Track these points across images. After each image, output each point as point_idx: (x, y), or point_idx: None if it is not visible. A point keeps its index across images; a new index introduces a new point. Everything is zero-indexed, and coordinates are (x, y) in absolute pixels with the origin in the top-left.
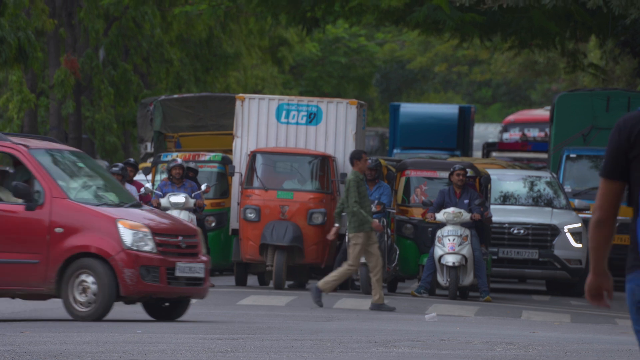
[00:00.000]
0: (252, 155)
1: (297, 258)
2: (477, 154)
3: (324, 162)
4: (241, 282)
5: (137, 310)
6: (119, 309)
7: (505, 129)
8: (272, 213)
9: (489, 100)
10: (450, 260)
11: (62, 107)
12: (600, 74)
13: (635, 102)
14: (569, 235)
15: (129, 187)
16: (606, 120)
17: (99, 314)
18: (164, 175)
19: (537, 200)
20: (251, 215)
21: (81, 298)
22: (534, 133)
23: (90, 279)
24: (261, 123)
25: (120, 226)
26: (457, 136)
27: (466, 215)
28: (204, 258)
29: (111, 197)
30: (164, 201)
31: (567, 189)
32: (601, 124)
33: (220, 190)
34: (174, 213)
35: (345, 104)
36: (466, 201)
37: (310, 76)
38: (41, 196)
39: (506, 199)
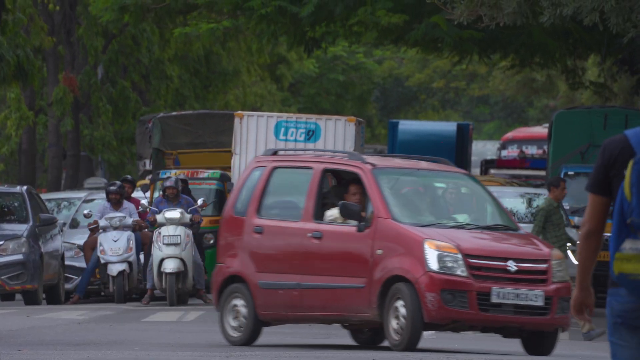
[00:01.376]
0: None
1: None
2: (476, 171)
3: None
4: None
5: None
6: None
7: (503, 146)
8: None
9: (487, 118)
10: None
11: (61, 124)
12: (606, 92)
13: (633, 120)
14: (569, 252)
15: (127, 204)
16: (604, 138)
17: (407, 343)
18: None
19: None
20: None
21: (395, 324)
22: (532, 150)
23: (400, 303)
24: (260, 140)
25: (426, 247)
26: (455, 153)
27: None
28: (552, 286)
29: (461, 218)
30: (159, 217)
31: (566, 206)
32: (599, 141)
33: (219, 207)
34: (170, 229)
35: (344, 121)
36: None
37: (308, 93)
38: (371, 217)
39: None
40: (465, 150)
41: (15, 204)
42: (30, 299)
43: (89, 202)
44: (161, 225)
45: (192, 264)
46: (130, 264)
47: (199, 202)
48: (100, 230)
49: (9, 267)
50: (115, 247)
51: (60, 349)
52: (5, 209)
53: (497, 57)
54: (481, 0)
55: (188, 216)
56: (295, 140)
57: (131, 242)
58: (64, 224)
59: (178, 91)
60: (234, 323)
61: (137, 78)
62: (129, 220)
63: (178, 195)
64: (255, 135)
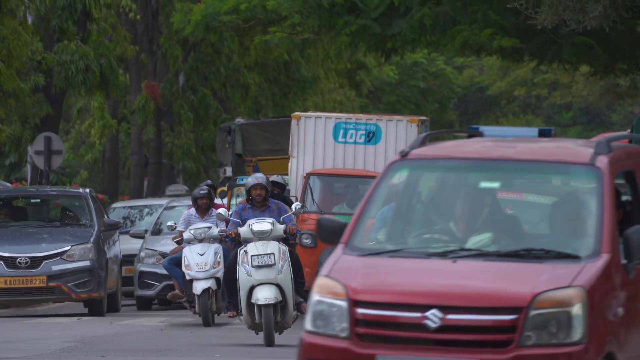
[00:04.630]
0: (308, 177)
1: None
2: None
3: None
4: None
5: None
6: None
7: None
8: None
9: (569, 123)
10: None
11: (143, 132)
12: None
13: None
14: None
15: (214, 211)
16: None
17: None
18: (241, 198)
19: None
20: (307, 241)
21: None
22: None
23: None
24: (318, 142)
25: (312, 290)
26: None
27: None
28: (518, 353)
29: (479, 238)
30: (243, 230)
31: None
32: None
33: None
34: (259, 246)
35: (405, 122)
36: None
37: (388, 100)
38: None
39: None
40: None
41: (77, 205)
42: (95, 308)
43: (170, 209)
44: (246, 241)
45: (292, 289)
46: (218, 280)
47: (294, 206)
48: (184, 244)
49: (75, 274)
50: (201, 262)
51: (142, 355)
52: (69, 212)
53: (575, 64)
54: (565, 4)
55: (281, 227)
56: (355, 143)
57: (219, 256)
58: (146, 230)
59: (257, 99)
60: None
61: (218, 86)
62: (215, 231)
63: (266, 199)
64: (313, 137)
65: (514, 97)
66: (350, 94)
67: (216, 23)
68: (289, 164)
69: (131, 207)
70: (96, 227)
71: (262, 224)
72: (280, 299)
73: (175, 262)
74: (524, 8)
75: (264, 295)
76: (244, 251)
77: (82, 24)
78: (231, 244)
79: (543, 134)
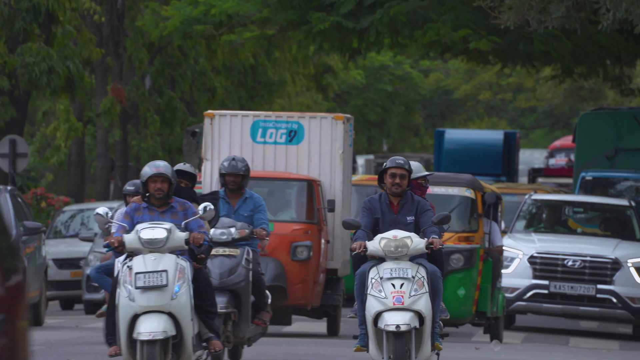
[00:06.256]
0: None
1: (280, 299)
2: (523, 179)
3: (308, 188)
4: None
5: None
6: None
7: (551, 155)
8: None
9: (533, 125)
10: (393, 320)
11: (109, 135)
12: None
13: None
14: (632, 270)
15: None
16: (632, 141)
17: None
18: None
19: (607, 230)
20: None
21: None
22: None
23: None
24: (234, 143)
25: None
26: (502, 162)
27: (418, 243)
28: None
29: None
30: (129, 238)
31: None
32: (626, 145)
33: None
34: (148, 260)
35: (330, 119)
36: (410, 218)
37: (355, 104)
38: None
39: (564, 226)
40: (513, 158)
41: None
42: None
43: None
44: (133, 253)
45: (195, 319)
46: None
47: (201, 208)
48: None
49: None
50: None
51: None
52: None
53: (539, 65)
54: (529, 4)
55: (183, 235)
56: (275, 143)
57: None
58: (96, 234)
59: (223, 102)
60: None
61: (186, 88)
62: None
63: (168, 196)
64: (228, 138)
65: (479, 100)
66: (317, 98)
67: (192, 31)
68: (202, 168)
69: (82, 211)
70: (14, 232)
71: (155, 231)
72: (172, 333)
73: (106, 271)
74: (489, 8)
75: (147, 327)
76: (128, 266)
77: (47, 27)
78: (115, 255)
79: (508, 137)
